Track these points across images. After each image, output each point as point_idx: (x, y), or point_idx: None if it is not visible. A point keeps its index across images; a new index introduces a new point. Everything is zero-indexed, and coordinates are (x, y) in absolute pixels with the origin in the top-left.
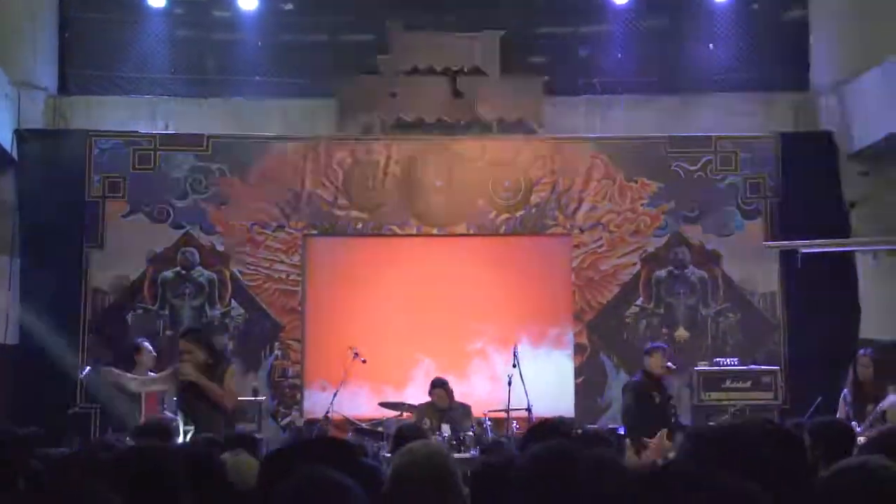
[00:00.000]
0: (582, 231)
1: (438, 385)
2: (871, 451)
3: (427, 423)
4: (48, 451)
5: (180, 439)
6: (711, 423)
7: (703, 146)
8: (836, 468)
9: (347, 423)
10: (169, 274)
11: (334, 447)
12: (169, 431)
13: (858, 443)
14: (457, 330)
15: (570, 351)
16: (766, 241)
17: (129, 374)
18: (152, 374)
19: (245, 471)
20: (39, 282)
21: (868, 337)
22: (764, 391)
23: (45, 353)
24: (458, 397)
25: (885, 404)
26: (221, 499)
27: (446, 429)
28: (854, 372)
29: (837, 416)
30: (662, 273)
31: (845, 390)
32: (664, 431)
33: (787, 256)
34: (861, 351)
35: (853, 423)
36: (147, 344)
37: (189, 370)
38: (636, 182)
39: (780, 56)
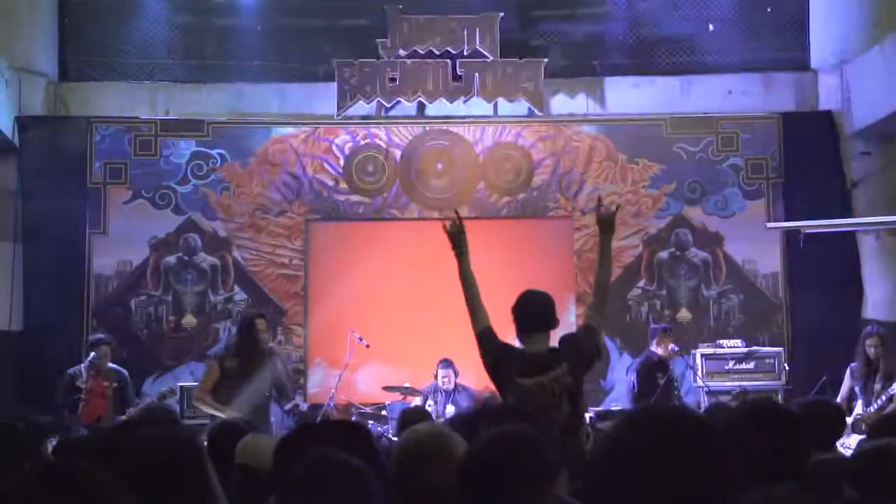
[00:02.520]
0: (583, 213)
1: (446, 366)
2: (881, 434)
3: (431, 405)
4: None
5: None
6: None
7: (705, 127)
8: (859, 451)
9: (351, 406)
10: (171, 260)
11: (348, 430)
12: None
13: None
14: (459, 313)
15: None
16: (768, 221)
17: None
18: None
19: (261, 451)
20: (42, 268)
21: (871, 317)
22: (767, 372)
23: (48, 339)
24: (460, 380)
25: (894, 390)
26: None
27: (452, 410)
28: (863, 349)
29: (842, 389)
30: (664, 255)
31: (853, 364)
32: None
33: (790, 237)
34: (869, 329)
35: (860, 399)
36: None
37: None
38: (637, 164)
39: (781, 35)
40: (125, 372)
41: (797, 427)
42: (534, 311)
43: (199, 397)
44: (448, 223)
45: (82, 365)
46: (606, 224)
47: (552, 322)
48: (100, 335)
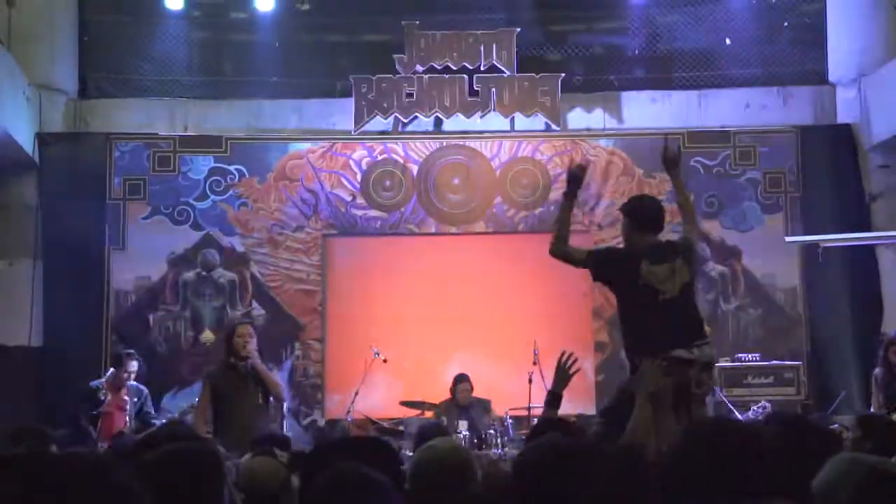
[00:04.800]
0: (601, 228)
1: (461, 380)
2: None
3: (444, 420)
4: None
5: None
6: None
7: (722, 141)
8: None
9: (369, 422)
10: (190, 275)
11: (373, 446)
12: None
13: None
14: (476, 328)
15: (591, 348)
16: (787, 235)
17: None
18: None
19: (260, 473)
20: (62, 284)
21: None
22: (786, 386)
23: (68, 354)
24: (477, 395)
25: None
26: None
27: (464, 426)
28: (885, 357)
29: (874, 400)
30: None
31: (877, 370)
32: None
33: (808, 251)
34: (894, 331)
35: (884, 409)
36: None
37: (255, 354)
38: (654, 178)
39: (799, 49)
40: (145, 389)
41: (836, 439)
42: (654, 209)
43: (194, 420)
44: (575, 166)
45: (103, 379)
46: (670, 162)
47: (663, 225)
48: (125, 350)
